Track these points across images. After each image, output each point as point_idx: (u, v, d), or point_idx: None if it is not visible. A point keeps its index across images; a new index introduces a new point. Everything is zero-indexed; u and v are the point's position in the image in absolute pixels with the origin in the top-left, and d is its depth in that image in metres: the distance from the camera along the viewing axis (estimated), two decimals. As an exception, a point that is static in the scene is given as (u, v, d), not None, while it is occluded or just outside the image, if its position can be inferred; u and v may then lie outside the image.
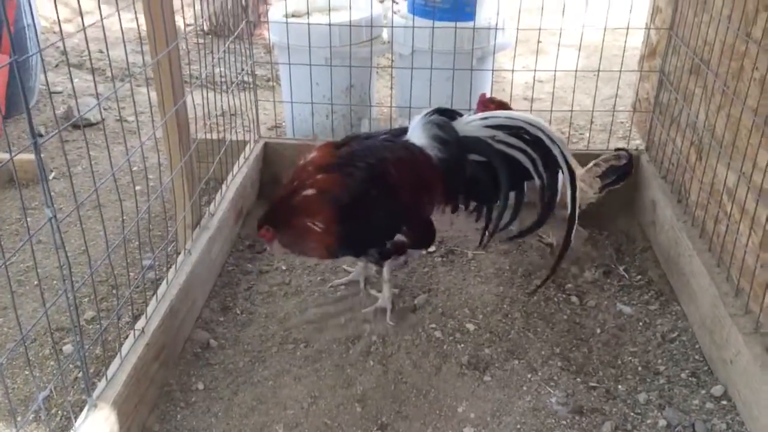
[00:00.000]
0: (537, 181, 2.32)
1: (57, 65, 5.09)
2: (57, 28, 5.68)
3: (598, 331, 2.55)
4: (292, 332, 2.52)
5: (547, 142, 2.28)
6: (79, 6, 1.86)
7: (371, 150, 2.34)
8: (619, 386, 2.28)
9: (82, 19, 1.81)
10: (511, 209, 2.41)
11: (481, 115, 2.39)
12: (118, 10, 2.08)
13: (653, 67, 3.26)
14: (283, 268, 2.88)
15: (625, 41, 3.07)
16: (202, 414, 2.19)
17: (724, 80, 2.47)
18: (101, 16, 1.85)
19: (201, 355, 2.42)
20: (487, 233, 2.46)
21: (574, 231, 2.35)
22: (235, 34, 3.24)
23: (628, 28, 3.07)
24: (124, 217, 3.19)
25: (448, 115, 2.39)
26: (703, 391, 2.24)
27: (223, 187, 2.95)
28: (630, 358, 2.41)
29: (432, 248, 2.98)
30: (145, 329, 2.13)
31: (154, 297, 2.28)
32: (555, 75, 3.17)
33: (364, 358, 2.40)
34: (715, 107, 2.54)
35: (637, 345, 2.47)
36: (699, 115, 2.69)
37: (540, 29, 3.13)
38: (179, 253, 2.56)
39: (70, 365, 2.34)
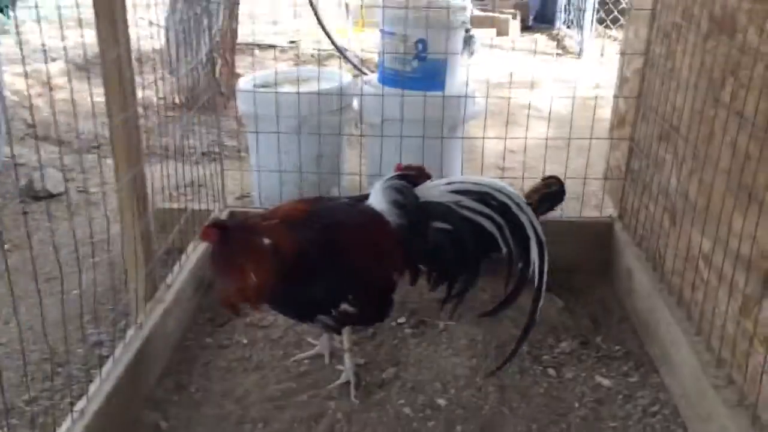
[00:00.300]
0: (504, 250, 2.23)
1: (23, 138, 5.00)
2: (26, 103, 5.64)
3: (576, 405, 2.41)
4: (250, 411, 2.35)
5: (515, 208, 2.21)
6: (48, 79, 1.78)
7: (328, 212, 2.27)
8: (601, 466, 2.13)
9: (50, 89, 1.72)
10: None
11: (445, 180, 2.33)
12: (89, 82, 2.01)
13: (623, 136, 3.26)
14: (244, 342, 2.72)
15: (594, 112, 3.07)
16: (146, 504, 1.99)
17: (694, 145, 2.44)
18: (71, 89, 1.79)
19: (150, 438, 2.23)
20: (449, 303, 2.36)
21: (540, 304, 2.24)
22: (200, 103, 3.20)
23: (596, 99, 3.08)
24: (80, 291, 3.04)
25: (410, 180, 2.32)
26: (690, 470, 2.10)
27: (183, 257, 2.83)
28: (611, 434, 2.27)
29: (402, 319, 2.85)
30: (84, 411, 1.95)
31: (99, 376, 2.11)
32: (526, 143, 3.15)
33: (327, 438, 2.23)
34: (687, 172, 2.50)
35: (617, 419, 2.33)
36: (671, 181, 2.65)
37: (510, 98, 3.13)
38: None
39: (2, 452, 2.13)
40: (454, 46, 3.47)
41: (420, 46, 3.34)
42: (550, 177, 2.82)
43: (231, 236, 2.20)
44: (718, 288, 2.22)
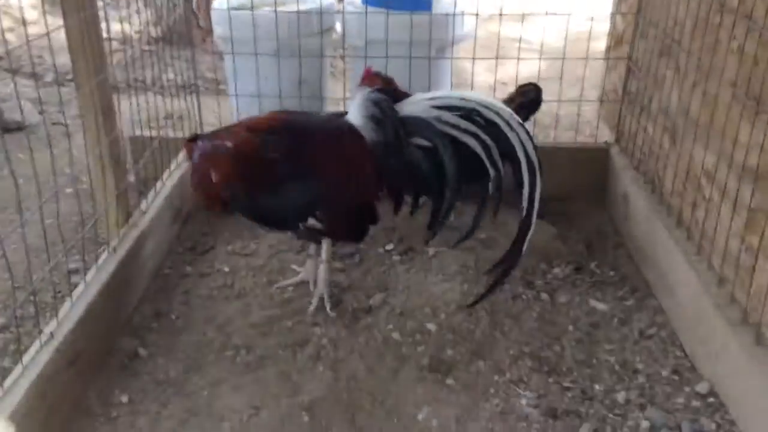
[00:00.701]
0: (492, 172, 2.06)
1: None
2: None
3: (571, 328, 2.33)
4: (232, 338, 2.25)
5: (504, 127, 2.03)
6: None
7: (301, 123, 2.15)
8: (596, 386, 2.06)
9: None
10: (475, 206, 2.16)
11: (430, 94, 2.13)
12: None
13: (620, 56, 3.11)
14: (226, 270, 2.61)
15: (590, 30, 2.92)
16: (124, 430, 1.90)
17: (698, 57, 2.31)
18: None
19: (128, 365, 2.13)
20: (432, 229, 2.20)
21: (530, 234, 2.08)
22: (176, 36, 3.01)
23: (592, 18, 2.92)
24: (55, 221, 2.91)
25: (391, 94, 2.14)
26: (687, 389, 2.03)
27: (158, 184, 2.69)
28: (606, 356, 2.20)
29: (390, 245, 2.75)
30: (54, 333, 1.84)
31: (69, 299, 1.99)
32: (518, 72, 2.99)
33: (312, 363, 2.14)
34: (689, 87, 2.38)
35: (613, 342, 2.26)
36: (671, 98, 2.53)
37: (501, 14, 2.97)
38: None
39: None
40: (443, -38, 3.28)
41: (407, -38, 3.15)
42: (526, 84, 2.49)
43: (200, 145, 2.10)
44: (721, 204, 2.12)
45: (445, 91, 2.17)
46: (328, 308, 2.34)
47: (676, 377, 2.09)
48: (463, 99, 2.09)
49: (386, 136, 2.10)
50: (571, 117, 3.56)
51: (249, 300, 2.44)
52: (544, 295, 2.50)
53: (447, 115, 2.06)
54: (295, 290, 2.48)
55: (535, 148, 2.06)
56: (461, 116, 2.07)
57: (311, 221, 2.15)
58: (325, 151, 2.13)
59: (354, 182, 2.15)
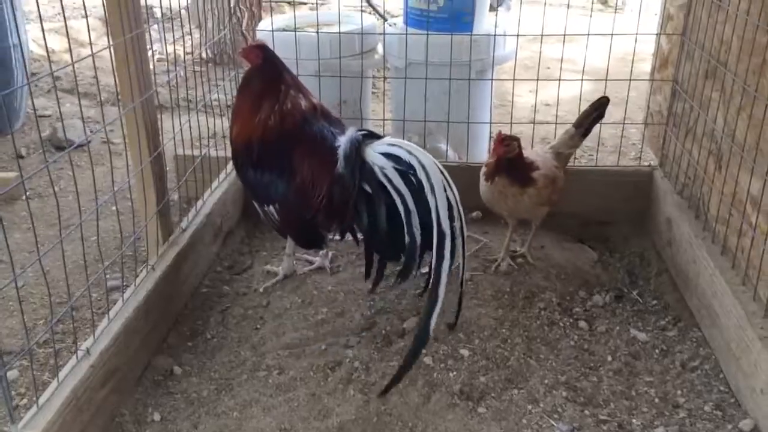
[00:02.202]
0: (407, 238, 2.13)
1: (49, 90, 4.97)
2: (54, 57, 5.62)
3: (609, 358, 2.26)
4: (265, 358, 2.26)
5: (427, 191, 2.08)
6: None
7: (314, 128, 2.36)
8: (634, 420, 1.99)
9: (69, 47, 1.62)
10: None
11: (392, 140, 2.24)
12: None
13: (666, 78, 3.04)
14: (262, 290, 2.63)
15: (634, 50, 2.85)
16: (155, 448, 1.93)
17: (744, 79, 2.23)
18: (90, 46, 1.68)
19: (162, 383, 2.16)
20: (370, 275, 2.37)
21: (436, 310, 2.04)
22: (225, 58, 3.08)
23: (637, 35, 2.85)
24: (100, 238, 2.99)
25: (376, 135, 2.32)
26: (730, 426, 1.94)
27: (199, 202, 2.74)
28: (645, 388, 2.12)
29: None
30: (90, 350, 1.88)
31: (107, 316, 2.04)
32: (559, 93, 2.95)
33: (344, 386, 2.13)
34: (735, 109, 2.30)
35: (654, 374, 2.19)
36: (717, 121, 2.45)
37: (542, 35, 2.94)
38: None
39: (13, 392, 2.09)
40: (484, -16, 3.28)
41: (448, -16, 3.16)
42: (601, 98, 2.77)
43: (259, 74, 2.40)
44: (768, 232, 2.04)
45: (401, 141, 2.23)
46: (261, 288, 2.62)
47: (719, 413, 2.00)
48: (409, 153, 2.15)
49: (345, 174, 2.23)
50: (616, 139, 3.49)
51: (283, 321, 2.45)
52: (583, 323, 2.43)
53: (389, 168, 2.16)
54: (329, 312, 2.48)
55: (454, 219, 2.08)
56: (400, 170, 2.15)
57: (270, 208, 2.40)
58: (309, 162, 2.30)
59: (309, 197, 2.30)
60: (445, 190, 2.10)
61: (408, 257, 2.18)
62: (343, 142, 2.28)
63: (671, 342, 2.33)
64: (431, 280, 2.07)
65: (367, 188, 2.19)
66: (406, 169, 2.13)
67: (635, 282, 2.71)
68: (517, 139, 2.51)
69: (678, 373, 2.19)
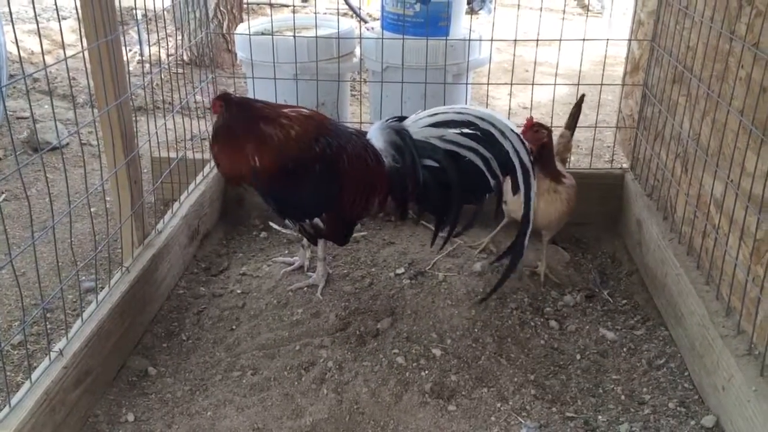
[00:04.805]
0: (492, 182, 2.18)
1: (27, 92, 4.95)
2: (34, 59, 5.60)
3: (578, 357, 2.31)
4: (240, 359, 2.29)
5: (498, 136, 2.13)
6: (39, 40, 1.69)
7: (339, 136, 2.29)
8: (600, 416, 2.03)
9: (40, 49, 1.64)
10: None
11: (430, 111, 2.28)
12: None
13: (637, 82, 3.10)
14: (238, 291, 2.65)
15: (605, 57, 2.91)
16: (128, 448, 1.94)
17: (708, 84, 2.29)
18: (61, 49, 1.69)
19: (136, 384, 2.18)
20: (439, 242, 2.44)
21: (527, 237, 2.21)
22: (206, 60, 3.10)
23: (607, 40, 2.91)
24: (75, 239, 3.00)
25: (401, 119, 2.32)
26: (693, 422, 2.00)
27: (175, 204, 2.75)
28: (612, 386, 2.17)
29: (401, 269, 2.76)
30: (64, 351, 1.90)
31: (80, 318, 2.05)
32: (532, 95, 3.00)
33: (317, 386, 2.16)
34: (700, 114, 2.36)
35: (621, 372, 2.24)
36: (683, 125, 2.51)
37: (516, 40, 2.98)
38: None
39: (-13, 393, 2.10)
40: (460, -11, 3.32)
41: (423, -12, 3.20)
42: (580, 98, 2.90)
43: (237, 116, 2.25)
44: (729, 233, 2.09)
45: (444, 107, 2.30)
46: (318, 292, 2.58)
47: (682, 409, 2.05)
48: (459, 113, 2.23)
49: (404, 163, 2.26)
50: (591, 142, 3.54)
51: (258, 322, 2.47)
52: (553, 323, 2.48)
53: (449, 133, 2.22)
54: (304, 313, 2.50)
55: (528, 152, 2.22)
56: (460, 131, 2.22)
57: (316, 221, 2.35)
58: (352, 166, 2.27)
59: (363, 201, 2.31)
60: (510, 127, 2.20)
61: (497, 196, 2.30)
62: (375, 137, 2.31)
63: (639, 341, 2.39)
64: (523, 207, 2.21)
65: (432, 162, 2.24)
66: (466, 127, 2.21)
67: (606, 282, 2.76)
68: (548, 129, 2.53)
69: (644, 371, 2.24)
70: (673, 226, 2.55)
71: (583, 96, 2.89)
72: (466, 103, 3.45)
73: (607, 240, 3.02)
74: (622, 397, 2.12)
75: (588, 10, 8.04)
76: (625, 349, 2.35)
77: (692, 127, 2.43)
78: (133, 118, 2.47)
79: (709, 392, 2.04)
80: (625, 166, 3.20)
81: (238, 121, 2.25)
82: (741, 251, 2.02)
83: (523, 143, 2.19)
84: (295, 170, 2.23)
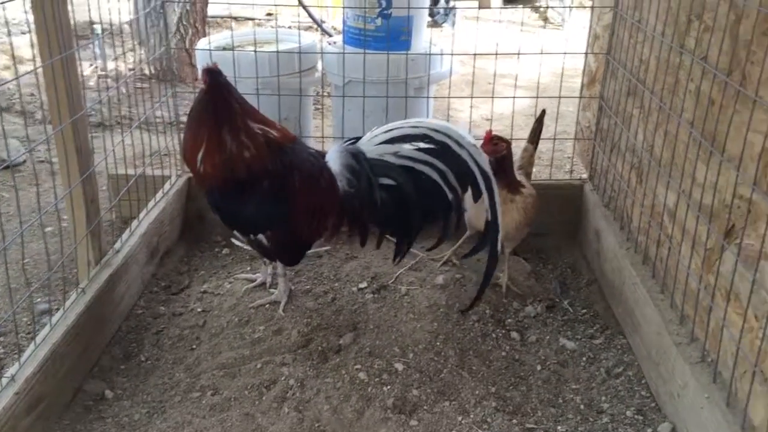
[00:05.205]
0: (450, 196, 2.17)
1: (-16, 109, 4.85)
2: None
3: (539, 367, 2.33)
4: (200, 379, 2.25)
5: (454, 147, 2.14)
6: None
7: (295, 157, 2.27)
8: (559, 427, 2.05)
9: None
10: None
11: (385, 127, 2.27)
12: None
13: (594, 94, 3.15)
14: (199, 309, 2.62)
15: (562, 70, 2.96)
16: (84, 474, 1.90)
17: (660, 97, 2.34)
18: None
19: (92, 408, 2.14)
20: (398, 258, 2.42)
21: (500, 245, 2.22)
22: (168, 74, 3.07)
23: (564, 53, 2.96)
24: (30, 260, 2.94)
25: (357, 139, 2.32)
26: (650, 430, 2.02)
27: (134, 222, 2.72)
28: (572, 395, 2.19)
29: (363, 284, 2.76)
30: (15, 377, 1.85)
31: (33, 341, 2.01)
32: (493, 106, 3.04)
33: (278, 404, 2.14)
34: (653, 126, 2.41)
35: (580, 382, 2.26)
36: (638, 136, 2.56)
37: (475, 54, 3.02)
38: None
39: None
40: (420, 3, 3.34)
41: (383, 2, 3.22)
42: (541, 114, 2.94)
43: (212, 101, 2.19)
44: (682, 243, 2.13)
45: (399, 122, 2.30)
46: (280, 309, 2.56)
47: (639, 417, 2.08)
48: (415, 126, 2.24)
49: (360, 187, 2.25)
50: (555, 153, 3.60)
51: (219, 340, 2.44)
52: (515, 334, 2.50)
53: (404, 148, 2.22)
54: (266, 330, 2.48)
55: (486, 161, 2.21)
56: (415, 145, 2.22)
57: (260, 236, 2.32)
58: (304, 187, 2.26)
59: (314, 223, 2.28)
60: (465, 137, 2.20)
61: (457, 211, 2.27)
62: (333, 159, 2.29)
63: (598, 350, 2.42)
64: (489, 214, 2.20)
65: (389, 181, 2.24)
66: (420, 140, 2.21)
67: (567, 292, 2.80)
68: (507, 141, 2.56)
69: (603, 380, 2.26)
70: (630, 236, 2.59)
71: (543, 111, 2.93)
72: (427, 116, 3.47)
73: (567, 250, 3.06)
74: (581, 406, 2.14)
75: (548, 23, 8.18)
76: (584, 359, 2.38)
77: (646, 139, 2.47)
78: (93, 135, 2.44)
79: (666, 400, 2.07)
80: (584, 176, 3.25)
81: (209, 109, 2.21)
82: (693, 260, 2.06)
83: (480, 152, 2.20)
84: (239, 185, 2.21)
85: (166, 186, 3.02)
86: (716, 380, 1.85)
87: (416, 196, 2.21)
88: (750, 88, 1.74)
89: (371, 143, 2.26)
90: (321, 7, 6.89)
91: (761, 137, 1.66)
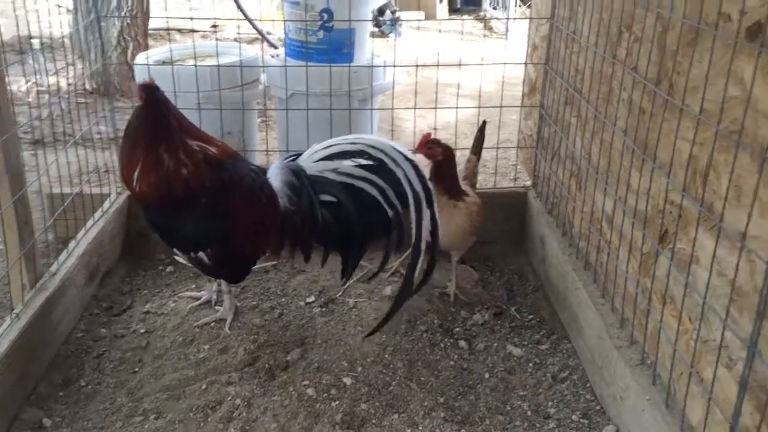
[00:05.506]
0: (390, 212, 2.17)
1: None
2: None
3: (487, 375, 2.35)
4: (143, 403, 2.19)
5: (390, 164, 2.15)
6: None
7: (235, 173, 2.24)
8: (506, 435, 2.07)
9: None
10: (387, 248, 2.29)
11: (324, 144, 2.26)
12: None
13: (534, 103, 3.21)
14: (142, 330, 2.56)
15: (503, 79, 3.01)
16: (20, 508, 1.83)
17: (595, 106, 2.40)
18: None
19: (30, 438, 2.06)
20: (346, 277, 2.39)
21: (419, 264, 2.18)
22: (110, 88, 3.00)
23: (504, 64, 3.01)
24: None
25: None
26: (595, 433, 2.06)
27: (71, 243, 2.64)
28: (519, 402, 2.21)
29: (311, 298, 2.74)
30: (-57, 409, 1.77)
31: (-36, 370, 1.92)
32: (436, 115, 3.07)
33: (224, 425, 2.10)
34: (590, 134, 2.46)
35: (527, 388, 2.28)
36: (576, 144, 2.61)
37: (417, 66, 3.04)
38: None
39: None
40: (362, 15, 3.35)
41: (325, 16, 3.21)
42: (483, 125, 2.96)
43: (149, 118, 2.18)
44: (620, 248, 2.18)
45: (338, 138, 2.28)
46: (227, 327, 2.53)
47: (585, 421, 2.11)
48: (353, 143, 2.23)
49: (301, 204, 2.23)
50: (500, 161, 3.65)
51: (163, 362, 2.38)
52: (463, 343, 2.51)
53: (343, 165, 2.20)
54: (211, 349, 2.44)
55: (421, 179, 2.18)
56: (354, 161, 2.21)
57: (201, 254, 2.28)
58: (243, 205, 2.22)
59: (254, 241, 2.26)
60: (402, 154, 2.18)
61: (398, 227, 2.23)
62: (274, 176, 2.27)
63: (544, 355, 2.45)
64: (414, 236, 2.16)
65: (329, 197, 2.22)
66: (359, 156, 2.19)
67: (514, 298, 2.83)
68: (443, 146, 2.54)
69: (549, 385, 2.29)
70: (572, 242, 2.64)
71: (484, 122, 2.96)
72: (372, 128, 3.48)
73: (513, 257, 3.10)
74: (529, 413, 2.17)
75: (493, 32, 8.32)
76: (531, 365, 2.40)
77: (584, 147, 2.53)
78: (31, 152, 2.36)
79: (609, 403, 2.11)
80: (527, 184, 3.30)
81: (145, 126, 2.18)
82: (630, 265, 2.11)
83: (416, 169, 2.18)
84: (177, 203, 2.17)
85: (106, 204, 2.95)
86: (656, 382, 1.89)
87: (357, 212, 2.19)
88: (677, 97, 1.79)
89: (311, 160, 2.25)
90: (265, 20, 6.85)
91: (689, 144, 1.72)
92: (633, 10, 2.08)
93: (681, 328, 1.79)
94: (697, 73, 1.70)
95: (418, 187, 2.16)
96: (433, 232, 2.20)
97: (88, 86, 5.50)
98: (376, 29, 7.70)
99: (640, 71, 2.04)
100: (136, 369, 2.36)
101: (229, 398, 2.21)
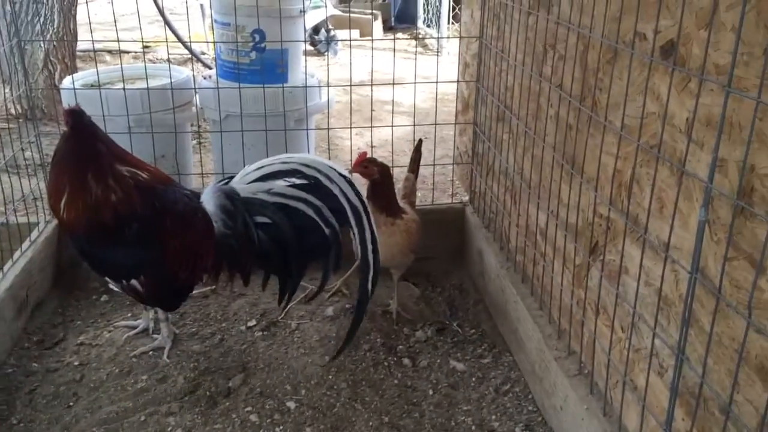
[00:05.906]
0: (327, 231, 2.17)
1: None
2: None
3: (431, 392, 2.36)
4: (78, 439, 2.12)
5: (325, 181, 2.15)
6: None
7: (167, 199, 2.20)
8: (451, 451, 2.08)
9: None
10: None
11: (256, 165, 2.26)
12: None
13: (468, 120, 3.27)
14: (76, 363, 2.47)
15: (436, 95, 3.06)
16: None
17: (525, 122, 2.46)
18: None
19: (-45, 483, 1.95)
20: (284, 300, 2.38)
21: (370, 282, 2.20)
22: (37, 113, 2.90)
23: (437, 82, 3.06)
24: None
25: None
26: (537, 444, 2.10)
27: (-2, 275, 2.53)
28: (464, 417, 2.24)
29: (252, 322, 2.70)
30: None
31: None
32: (372, 133, 3.10)
33: (164, 458, 2.05)
34: (522, 150, 2.53)
35: (471, 402, 2.31)
36: (509, 160, 2.68)
37: (351, 85, 3.06)
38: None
39: None
40: (294, 36, 3.36)
41: (257, 37, 3.20)
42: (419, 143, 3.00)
43: (76, 144, 2.11)
44: (554, 260, 2.24)
45: (270, 158, 2.29)
46: (165, 356, 2.47)
47: (527, 432, 2.15)
48: (285, 162, 2.23)
49: (236, 227, 2.21)
50: (438, 177, 3.69)
51: (99, 395, 2.31)
52: (406, 360, 2.52)
53: (277, 185, 2.21)
54: (149, 379, 2.37)
55: (357, 193, 2.21)
56: (287, 182, 2.22)
57: (134, 282, 2.24)
58: (176, 230, 2.18)
59: (188, 266, 2.23)
60: (336, 171, 2.19)
61: (336, 246, 2.23)
62: (207, 200, 2.24)
63: (486, 369, 2.48)
64: (360, 251, 2.17)
65: (264, 219, 2.20)
66: (292, 176, 2.18)
67: (455, 313, 2.86)
68: (380, 165, 2.55)
69: (492, 399, 2.32)
70: (509, 255, 2.69)
71: (420, 141, 3.00)
72: (309, 148, 3.48)
73: (454, 272, 3.14)
74: (473, 427, 2.19)
75: (428, 50, 8.45)
76: (474, 379, 2.43)
77: (516, 162, 2.59)
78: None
79: (551, 413, 2.15)
80: (465, 199, 3.35)
81: (72, 153, 2.12)
82: (565, 276, 2.16)
83: (351, 184, 2.20)
84: (106, 230, 2.12)
85: (34, 233, 2.85)
86: (593, 391, 1.94)
87: (293, 233, 2.19)
88: (600, 113, 1.86)
89: (244, 181, 2.24)
90: (197, 42, 6.77)
91: (613, 159, 1.78)
92: (556, 29, 2.15)
93: (614, 337, 1.84)
94: (618, 90, 1.77)
95: (356, 202, 2.17)
96: (374, 249, 2.21)
97: (13, 111, 5.31)
98: (311, 48, 7.71)
99: (565, 88, 2.11)
100: (71, 403, 2.27)
101: (170, 429, 2.15)
